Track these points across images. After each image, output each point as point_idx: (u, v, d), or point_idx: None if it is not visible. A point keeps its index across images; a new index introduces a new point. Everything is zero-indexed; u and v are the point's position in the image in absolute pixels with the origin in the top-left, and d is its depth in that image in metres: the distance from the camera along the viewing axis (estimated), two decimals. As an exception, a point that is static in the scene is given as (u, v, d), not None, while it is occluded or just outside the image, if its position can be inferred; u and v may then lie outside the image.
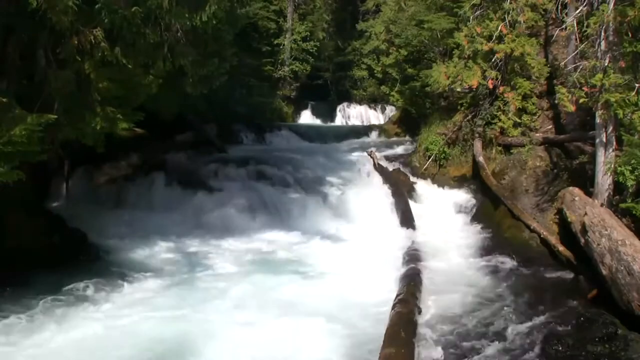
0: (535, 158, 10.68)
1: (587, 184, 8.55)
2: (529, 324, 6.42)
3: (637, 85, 7.28)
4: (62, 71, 6.75)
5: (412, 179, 13.06)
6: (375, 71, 23.65)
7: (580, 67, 8.13)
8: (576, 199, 8.12)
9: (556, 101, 10.61)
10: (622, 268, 6.24)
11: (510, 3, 11.56)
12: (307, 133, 19.73)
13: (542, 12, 12.17)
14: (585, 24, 7.92)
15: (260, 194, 11.38)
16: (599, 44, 7.77)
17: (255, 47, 21.91)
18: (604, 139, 7.85)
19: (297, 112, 24.51)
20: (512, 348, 5.92)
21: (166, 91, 9.31)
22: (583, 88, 7.89)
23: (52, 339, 5.90)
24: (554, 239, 8.67)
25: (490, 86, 12.12)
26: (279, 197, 11.41)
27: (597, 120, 7.93)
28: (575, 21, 8.74)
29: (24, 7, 6.11)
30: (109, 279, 7.61)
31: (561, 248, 8.43)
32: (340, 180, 12.52)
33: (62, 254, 8.02)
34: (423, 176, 13.20)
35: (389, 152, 15.84)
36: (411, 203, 11.49)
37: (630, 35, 7.40)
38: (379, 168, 13.37)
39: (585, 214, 7.39)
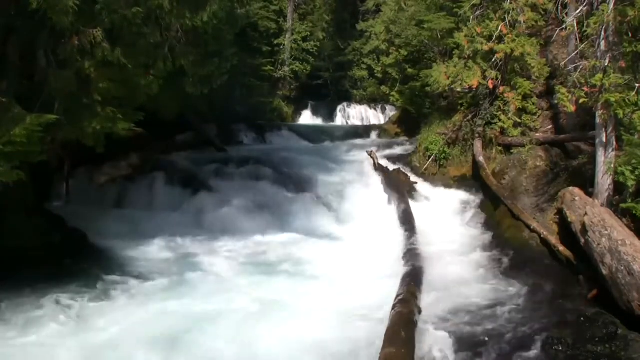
0: (535, 158, 10.68)
1: (587, 184, 8.54)
2: (529, 324, 6.41)
3: (637, 85, 7.28)
4: (62, 71, 6.73)
5: (413, 179, 13.06)
6: (375, 71, 23.66)
7: (580, 67, 8.12)
8: (576, 199, 8.11)
9: (556, 101, 10.62)
10: (622, 268, 6.24)
11: (511, 3, 11.57)
12: (307, 133, 19.74)
13: (542, 12, 12.17)
14: (585, 24, 7.92)
15: (260, 194, 11.36)
16: (599, 44, 7.77)
17: (255, 47, 21.93)
18: (604, 139, 7.85)
19: (297, 112, 24.55)
20: (512, 348, 5.92)
21: (166, 91, 9.30)
22: (583, 88, 7.88)
23: (51, 339, 5.90)
24: (554, 239, 8.66)
25: (490, 86, 12.13)
26: (279, 198, 11.41)
27: (597, 120, 7.93)
28: (575, 21, 8.74)
29: (24, 7, 6.11)
30: (109, 278, 7.60)
31: (561, 248, 8.42)
32: (340, 180, 12.52)
33: (62, 253, 8.01)
34: (423, 176, 13.22)
35: (389, 152, 15.84)
36: (411, 203, 11.48)
37: (630, 35, 7.40)
38: (379, 168, 13.37)
39: (586, 214, 7.38)
